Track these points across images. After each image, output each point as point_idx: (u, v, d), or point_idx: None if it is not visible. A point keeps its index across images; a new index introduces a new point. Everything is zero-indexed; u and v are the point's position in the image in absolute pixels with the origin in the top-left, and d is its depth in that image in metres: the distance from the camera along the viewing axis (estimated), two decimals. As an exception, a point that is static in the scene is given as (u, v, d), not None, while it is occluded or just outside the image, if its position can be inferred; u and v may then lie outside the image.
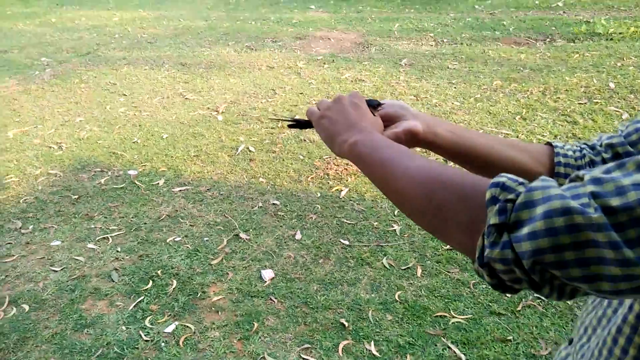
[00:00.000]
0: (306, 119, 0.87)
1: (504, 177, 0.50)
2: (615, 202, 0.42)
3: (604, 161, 0.77)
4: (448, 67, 5.72)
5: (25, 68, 6.54)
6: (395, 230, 3.10)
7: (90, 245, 3.12)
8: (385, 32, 7.38)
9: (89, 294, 2.74)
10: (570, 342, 0.76)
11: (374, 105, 0.84)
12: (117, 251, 3.06)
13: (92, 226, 3.30)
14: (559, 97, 4.68)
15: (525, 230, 0.45)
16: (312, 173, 3.75)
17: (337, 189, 3.55)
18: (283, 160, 3.97)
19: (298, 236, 3.09)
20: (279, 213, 3.33)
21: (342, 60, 6.24)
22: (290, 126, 0.94)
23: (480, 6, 8.67)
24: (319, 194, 3.51)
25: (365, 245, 2.98)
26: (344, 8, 9.22)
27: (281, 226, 3.20)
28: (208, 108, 5.00)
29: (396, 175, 0.62)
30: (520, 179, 0.50)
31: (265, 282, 2.75)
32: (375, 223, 3.17)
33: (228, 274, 2.82)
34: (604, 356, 0.63)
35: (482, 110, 4.59)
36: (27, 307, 2.67)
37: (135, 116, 4.90)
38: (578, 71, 5.24)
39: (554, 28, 6.89)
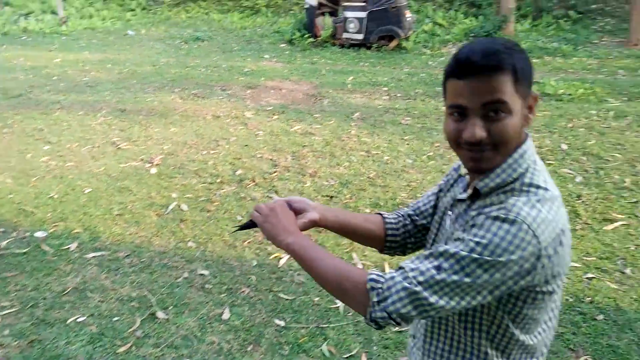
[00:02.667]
0: (250, 220, 1.18)
1: (373, 274, 0.96)
2: (421, 278, 0.91)
3: (407, 226, 1.25)
4: (401, 123, 5.53)
5: (-57, 109, 5.94)
6: (338, 308, 2.71)
7: (-28, 327, 2.58)
8: (339, 84, 7.22)
9: (-44, 394, 2.20)
10: (413, 337, 1.17)
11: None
12: (4, 335, 2.52)
13: (-20, 301, 2.76)
14: (512, 158, 4.52)
15: (389, 301, 0.92)
16: (250, 237, 3.36)
17: (276, 257, 3.16)
18: (218, 221, 3.56)
19: (226, 315, 2.65)
20: (207, 286, 2.89)
21: (293, 111, 5.98)
22: (240, 229, 1.24)
23: (434, 62, 8.73)
24: (254, 262, 3.11)
25: (304, 327, 2.58)
26: (298, 59, 9.11)
27: (207, 302, 2.76)
28: (142, 159, 4.57)
29: (319, 270, 1.03)
30: (381, 274, 0.97)
31: (180, 377, 2.28)
32: (317, 299, 2.78)
33: (136, 365, 2.34)
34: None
35: (434, 169, 4.36)
36: None
37: (58, 167, 4.41)
38: (530, 130, 5.14)
39: (505, 86, 6.90)
